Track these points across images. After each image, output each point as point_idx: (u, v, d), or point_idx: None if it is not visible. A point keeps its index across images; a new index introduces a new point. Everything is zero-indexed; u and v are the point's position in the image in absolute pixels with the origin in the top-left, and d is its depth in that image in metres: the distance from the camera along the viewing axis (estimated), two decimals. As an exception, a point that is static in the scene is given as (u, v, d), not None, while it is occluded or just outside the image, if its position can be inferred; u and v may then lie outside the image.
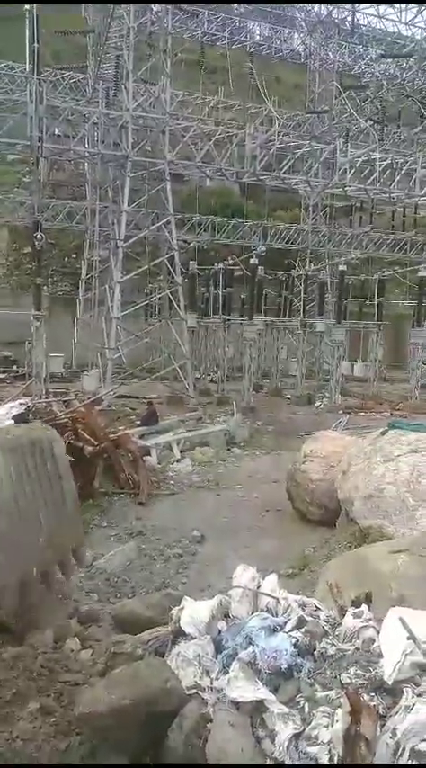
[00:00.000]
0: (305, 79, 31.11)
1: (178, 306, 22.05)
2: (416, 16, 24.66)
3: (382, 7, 25.06)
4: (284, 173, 21.69)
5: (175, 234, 22.52)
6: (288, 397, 24.29)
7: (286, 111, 30.40)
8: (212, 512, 10.44)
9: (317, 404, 22.76)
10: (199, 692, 3.38)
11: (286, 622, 3.58)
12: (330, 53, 29.55)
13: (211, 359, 26.91)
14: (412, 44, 27.55)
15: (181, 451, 14.28)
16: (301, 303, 25.60)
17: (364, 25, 28.56)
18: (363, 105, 28.26)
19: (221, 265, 25.83)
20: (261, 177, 22.50)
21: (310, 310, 26.34)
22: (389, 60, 28.95)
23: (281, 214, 35.03)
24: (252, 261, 22.37)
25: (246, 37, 31.49)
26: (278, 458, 13.71)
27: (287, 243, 32.05)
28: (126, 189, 20.82)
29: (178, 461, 13.67)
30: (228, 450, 15.22)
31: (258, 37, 32.58)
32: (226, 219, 31.38)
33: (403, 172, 21.70)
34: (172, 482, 12.20)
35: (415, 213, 30.78)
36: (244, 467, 13.74)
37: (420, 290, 23.10)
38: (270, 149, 21.25)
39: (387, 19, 26.39)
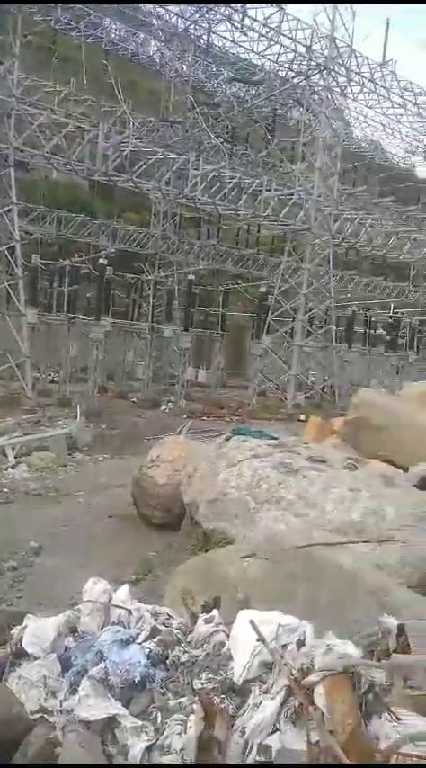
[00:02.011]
0: (160, 87, 31.39)
1: (18, 300, 20.83)
2: (267, 48, 26.22)
3: (236, 33, 26.23)
4: (137, 176, 21.66)
5: (17, 223, 21.29)
6: (134, 400, 24.23)
7: (140, 116, 30.38)
8: (51, 520, 9.98)
9: (163, 408, 23.05)
10: (46, 715, 3.19)
11: (139, 633, 3.54)
12: (185, 66, 30.19)
13: (53, 358, 25.78)
14: (262, 73, 29.30)
15: (15, 457, 13.47)
16: (150, 308, 25.77)
17: (219, 47, 29.55)
18: (215, 123, 29.34)
19: (67, 261, 24.96)
20: (112, 178, 22.20)
21: (158, 315, 26.60)
22: (240, 84, 30.47)
23: (131, 216, 34.91)
24: (100, 261, 21.98)
25: (101, 34, 30.77)
26: (122, 462, 13.59)
27: (136, 246, 32.01)
28: (-38, 170, 19.18)
29: (13, 467, 12.88)
30: (70, 454, 14.69)
31: (114, 35, 32.01)
32: (73, 215, 30.38)
33: (249, 192, 22.96)
34: (6, 489, 11.47)
35: (258, 232, 32.74)
36: (86, 472, 13.38)
37: (259, 304, 24.63)
38: (124, 151, 21.08)
39: (240, 45, 27.68)
